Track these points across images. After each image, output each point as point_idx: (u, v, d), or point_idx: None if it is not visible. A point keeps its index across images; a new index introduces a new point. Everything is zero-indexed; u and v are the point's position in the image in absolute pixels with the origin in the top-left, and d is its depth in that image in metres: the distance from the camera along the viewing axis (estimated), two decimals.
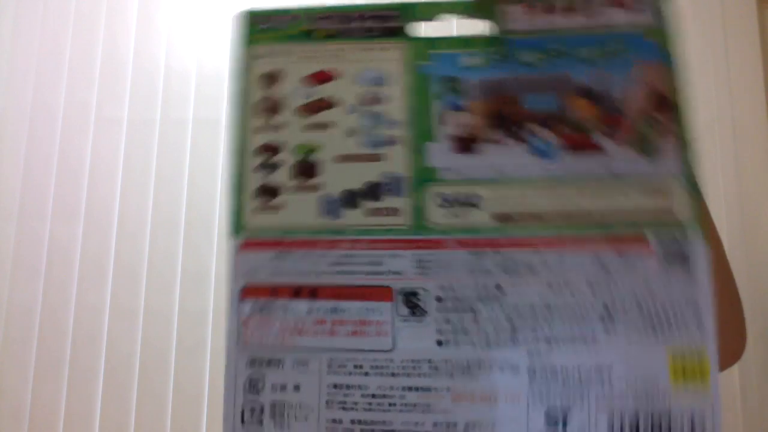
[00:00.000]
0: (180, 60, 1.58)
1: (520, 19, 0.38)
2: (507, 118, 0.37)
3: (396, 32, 0.39)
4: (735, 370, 1.43)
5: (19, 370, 1.45)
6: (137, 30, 1.60)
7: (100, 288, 1.48)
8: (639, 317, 0.33)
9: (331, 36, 0.39)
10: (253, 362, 0.35)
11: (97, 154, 1.54)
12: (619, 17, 0.37)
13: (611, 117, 0.36)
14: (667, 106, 0.36)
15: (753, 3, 1.58)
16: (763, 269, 1.47)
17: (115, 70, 1.58)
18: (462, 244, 0.35)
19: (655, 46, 0.37)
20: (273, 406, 0.34)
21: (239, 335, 0.35)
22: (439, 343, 0.34)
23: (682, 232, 0.34)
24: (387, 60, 0.38)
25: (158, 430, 1.42)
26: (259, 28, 0.39)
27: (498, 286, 0.34)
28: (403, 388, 0.34)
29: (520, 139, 0.36)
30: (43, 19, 1.61)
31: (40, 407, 1.44)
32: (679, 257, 0.34)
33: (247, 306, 0.35)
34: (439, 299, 0.34)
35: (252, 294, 0.35)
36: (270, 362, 0.35)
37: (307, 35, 0.39)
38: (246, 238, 0.36)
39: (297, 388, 0.34)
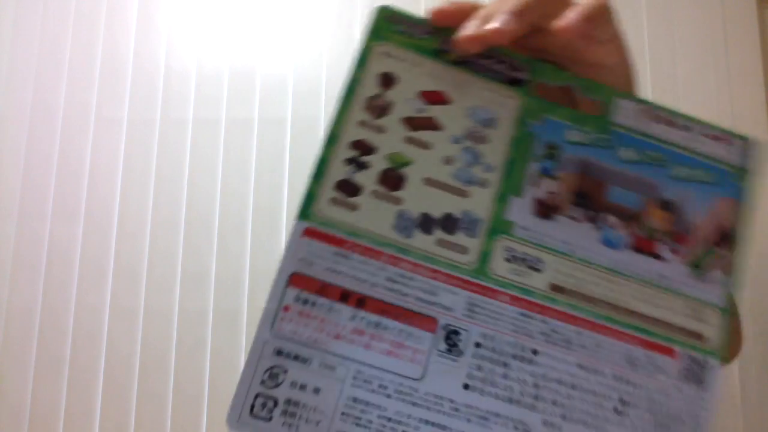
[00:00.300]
0: (180, 60, 1.58)
1: (632, 116, 0.40)
2: (592, 202, 0.38)
3: (520, 84, 0.39)
4: (735, 370, 1.44)
5: (19, 370, 1.44)
6: (137, 30, 1.59)
7: (100, 288, 1.48)
8: (647, 420, 0.36)
9: (462, 63, 0.39)
10: (280, 352, 0.35)
11: (97, 154, 1.54)
12: (713, 149, 0.40)
13: (680, 235, 0.38)
14: (729, 242, 0.39)
15: (753, 3, 1.58)
16: (763, 269, 1.47)
17: (115, 70, 1.56)
18: (515, 300, 0.36)
19: (737, 186, 0.39)
20: (287, 402, 0.34)
21: (275, 321, 0.35)
22: (466, 386, 0.35)
23: (705, 358, 0.37)
24: (503, 106, 0.39)
25: (158, 430, 1.42)
26: (395, 28, 0.39)
27: (535, 351, 0.36)
28: (420, 420, 0.35)
29: (597, 225, 0.38)
30: (43, 19, 1.60)
31: (40, 407, 1.44)
32: (696, 378, 0.37)
33: (292, 295, 0.35)
34: (477, 345, 0.36)
35: (300, 284, 0.35)
36: (297, 357, 0.35)
37: (437, 54, 0.39)
38: (311, 225, 0.36)
39: (317, 391, 0.35)
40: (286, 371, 0.35)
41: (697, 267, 0.38)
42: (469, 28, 0.37)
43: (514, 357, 0.36)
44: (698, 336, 0.37)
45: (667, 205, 0.39)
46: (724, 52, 1.56)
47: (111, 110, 1.55)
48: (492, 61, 0.39)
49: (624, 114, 0.40)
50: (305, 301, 0.35)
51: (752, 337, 1.48)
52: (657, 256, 0.38)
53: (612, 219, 0.38)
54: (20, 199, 1.52)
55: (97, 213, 1.51)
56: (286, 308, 0.35)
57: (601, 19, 0.39)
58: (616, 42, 0.42)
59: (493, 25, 0.37)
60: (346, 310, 0.35)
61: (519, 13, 0.37)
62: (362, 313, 0.35)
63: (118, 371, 1.45)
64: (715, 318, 0.37)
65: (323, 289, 0.35)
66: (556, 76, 0.40)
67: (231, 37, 1.58)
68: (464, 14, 0.39)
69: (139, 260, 1.49)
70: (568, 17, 0.37)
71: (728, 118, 1.52)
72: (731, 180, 0.39)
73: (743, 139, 0.40)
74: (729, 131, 0.40)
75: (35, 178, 1.53)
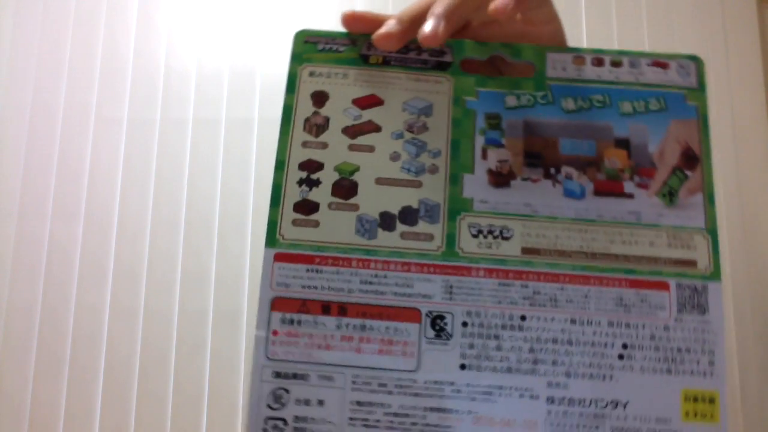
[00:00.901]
0: (180, 60, 1.58)
1: (569, 68, 0.40)
2: (545, 159, 0.38)
3: (447, 67, 0.40)
4: (735, 370, 1.44)
5: (19, 370, 1.45)
6: (137, 30, 1.60)
7: (100, 288, 1.48)
8: (655, 358, 0.35)
9: (386, 63, 0.40)
10: (278, 375, 0.36)
11: (97, 154, 1.54)
12: (662, 77, 0.40)
13: (644, 169, 0.38)
14: (695, 163, 0.39)
15: (753, 3, 1.58)
16: (763, 269, 1.48)
17: (115, 70, 1.58)
18: (490, 273, 0.36)
19: (693, 108, 0.40)
20: (296, 419, 0.35)
21: (267, 347, 0.36)
22: (462, 366, 0.36)
23: (703, 283, 0.36)
24: (437, 92, 0.40)
25: (158, 430, 1.42)
26: (317, 48, 0.41)
27: (523, 317, 0.36)
28: (425, 409, 0.35)
29: (555, 180, 0.38)
30: (43, 19, 1.61)
31: (40, 407, 1.44)
32: (697, 306, 0.36)
33: (277, 318, 0.36)
34: (464, 324, 0.36)
35: (282, 307, 0.36)
36: (295, 376, 0.36)
37: (361, 60, 0.40)
38: (280, 250, 0.37)
39: (321, 403, 0.35)
40: (288, 391, 0.35)
41: (668, 195, 0.38)
42: (385, 27, 0.39)
43: (503, 327, 0.36)
44: (689, 263, 0.37)
45: (622, 143, 0.39)
46: (725, 52, 1.56)
47: (111, 110, 1.56)
48: (414, 52, 0.40)
49: (557, 67, 0.40)
50: (291, 322, 0.36)
51: (752, 337, 1.46)
52: (624, 195, 0.38)
53: (569, 170, 0.38)
54: (20, 199, 1.52)
55: (97, 213, 1.51)
56: (275, 332, 0.36)
57: (534, 2, 0.40)
58: (554, 23, 0.43)
59: (426, 27, 0.38)
60: (330, 321, 0.36)
61: (448, 14, 0.38)
62: (346, 320, 0.36)
63: (118, 371, 1.46)
64: (701, 240, 0.37)
65: (304, 306, 0.36)
66: (481, 50, 0.40)
67: (231, 37, 1.58)
68: (377, 21, 0.40)
69: (139, 260, 1.49)
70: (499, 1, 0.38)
71: (728, 117, 1.53)
72: (683, 101, 0.40)
73: (686, 58, 0.40)
74: (670, 54, 0.41)
75: (35, 178, 1.53)
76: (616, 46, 1.57)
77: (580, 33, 1.57)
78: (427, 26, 0.37)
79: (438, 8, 0.38)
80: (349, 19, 0.40)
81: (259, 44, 1.58)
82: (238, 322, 1.46)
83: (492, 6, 0.38)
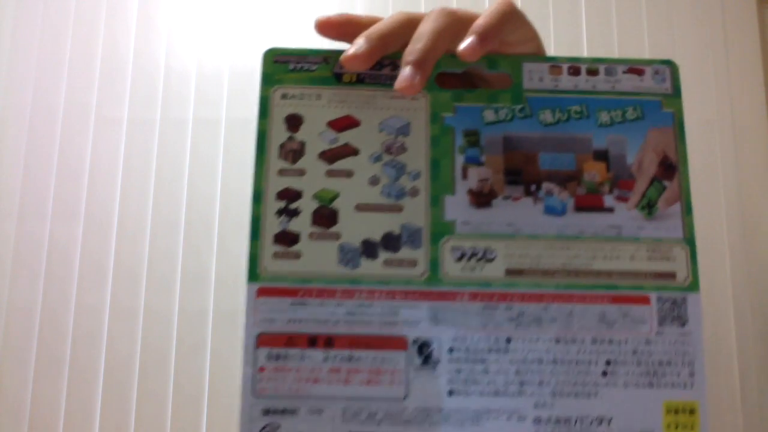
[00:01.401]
0: (180, 60, 1.58)
1: (546, 78, 0.39)
2: (525, 176, 0.38)
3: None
4: (735, 370, 1.44)
5: (19, 370, 1.46)
6: (137, 30, 1.60)
7: (100, 288, 1.48)
8: (638, 373, 0.36)
9: (361, 81, 0.39)
10: (267, 411, 0.35)
11: (96, 154, 1.54)
12: (638, 84, 0.39)
13: (623, 181, 0.38)
14: (673, 172, 0.38)
15: (753, 3, 1.58)
16: (763, 269, 1.48)
17: (115, 70, 1.58)
18: (475, 296, 0.36)
19: (670, 115, 0.39)
20: None
21: (254, 384, 0.35)
22: (451, 392, 0.35)
23: (682, 296, 0.37)
24: (413, 109, 0.39)
25: (158, 430, 1.43)
26: (288, 68, 0.39)
27: (508, 339, 0.36)
28: None
29: (535, 197, 0.38)
30: (43, 19, 1.61)
31: (41, 407, 1.44)
32: (677, 319, 0.36)
33: (263, 354, 0.36)
34: (451, 350, 0.36)
35: (268, 342, 0.36)
36: (285, 411, 0.35)
37: (335, 79, 0.39)
38: (262, 284, 0.36)
39: None
40: (278, 426, 0.35)
41: (647, 207, 0.38)
42: (353, 47, 0.38)
43: (489, 351, 0.36)
44: (669, 275, 0.37)
45: (601, 155, 0.38)
46: (724, 52, 1.56)
47: (111, 110, 1.56)
48: (388, 68, 0.40)
49: (534, 78, 0.39)
50: (277, 357, 0.36)
51: (752, 337, 1.47)
52: (605, 209, 0.38)
53: (549, 186, 0.38)
54: (20, 199, 1.52)
55: (97, 213, 1.51)
56: (262, 369, 0.35)
57: (510, 25, 0.40)
58: (533, 41, 0.42)
59: (369, 44, 0.38)
60: (317, 354, 0.36)
61: (422, 62, 0.38)
62: (333, 352, 0.36)
63: (118, 371, 1.46)
64: (680, 252, 0.37)
65: (290, 340, 0.36)
66: (456, 63, 0.39)
67: (231, 37, 1.58)
68: (351, 26, 0.40)
69: (139, 260, 1.49)
70: (465, 42, 0.38)
71: (728, 118, 1.53)
72: (659, 109, 0.39)
73: (661, 63, 0.40)
74: (644, 60, 0.40)
75: (35, 178, 1.53)
76: (616, 46, 1.57)
77: (579, 33, 1.57)
78: (403, 75, 0.37)
79: (411, 56, 0.37)
80: (323, 25, 0.40)
81: (258, 44, 1.58)
82: (238, 322, 1.46)
83: (459, 50, 0.37)
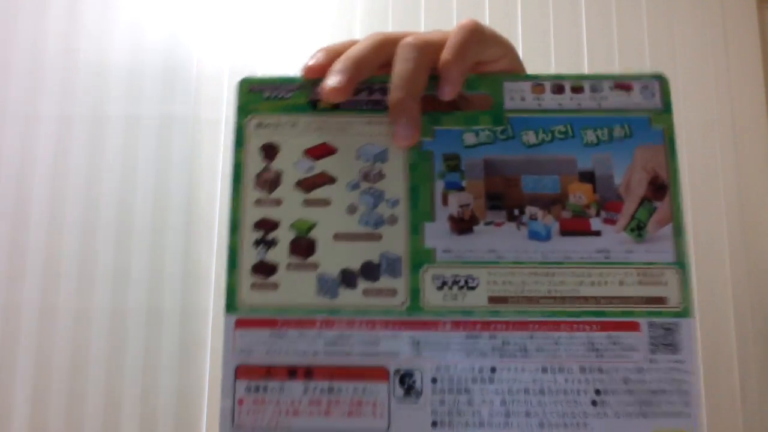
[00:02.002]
0: (180, 59, 1.57)
1: (528, 97, 0.38)
2: (507, 200, 0.37)
3: None
4: (735, 370, 1.44)
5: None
6: (132, 28, 1.59)
7: (87, 289, 1.48)
8: (629, 402, 0.35)
9: (336, 107, 0.38)
10: None
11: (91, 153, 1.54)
12: (625, 101, 0.38)
13: (611, 203, 0.37)
14: (664, 192, 0.37)
15: (753, 3, 1.57)
16: (763, 269, 1.47)
17: (109, 67, 1.56)
18: (457, 326, 0.35)
19: (659, 132, 0.38)
20: None
21: (233, 417, 0.35)
22: (434, 424, 0.35)
23: (675, 321, 0.35)
24: (390, 135, 0.38)
25: (153, 430, 1.43)
26: (262, 96, 0.39)
27: (493, 369, 0.35)
28: None
29: (519, 222, 0.37)
30: (34, 13, 1.59)
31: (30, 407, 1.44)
32: (670, 345, 0.35)
33: (242, 387, 0.35)
34: (434, 380, 0.35)
35: (247, 374, 0.35)
36: None
37: (313, 105, 0.39)
38: (241, 316, 0.36)
39: None
40: None
41: (636, 229, 0.36)
42: (329, 79, 0.37)
43: (474, 381, 0.35)
44: (659, 300, 0.36)
45: (587, 176, 0.37)
46: (724, 52, 1.56)
47: (105, 109, 1.55)
48: (365, 93, 0.39)
49: (515, 97, 0.38)
50: (256, 389, 0.35)
51: (752, 337, 1.47)
52: (592, 233, 0.36)
53: (533, 210, 0.37)
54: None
55: (91, 214, 1.50)
56: (240, 401, 0.35)
57: (476, 47, 0.39)
58: (507, 57, 0.42)
59: (344, 76, 0.37)
60: (297, 386, 0.35)
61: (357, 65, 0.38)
62: (313, 384, 0.35)
63: (105, 372, 1.45)
64: (671, 276, 0.36)
65: (269, 372, 0.35)
66: (433, 84, 0.38)
67: (231, 37, 1.57)
68: (331, 59, 0.39)
69: (127, 260, 1.49)
70: (444, 90, 0.37)
71: (728, 118, 1.52)
72: (647, 125, 0.38)
73: (649, 78, 0.39)
74: (632, 75, 0.39)
75: (27, 176, 1.52)
76: (616, 46, 1.57)
77: (579, 33, 1.56)
78: (399, 132, 0.37)
79: (399, 108, 0.37)
80: (309, 72, 0.39)
81: (258, 45, 1.57)
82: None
83: (439, 96, 0.37)
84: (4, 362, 1.45)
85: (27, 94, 1.55)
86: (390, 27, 1.58)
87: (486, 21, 1.49)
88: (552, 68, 1.53)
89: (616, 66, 1.55)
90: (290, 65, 1.55)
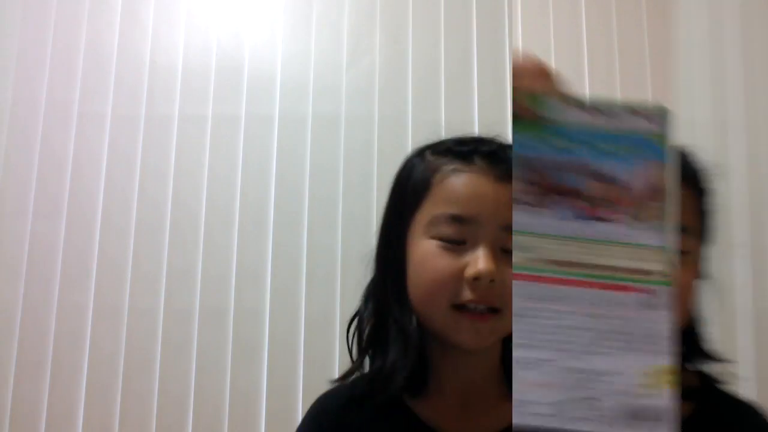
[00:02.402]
0: (166, 56, 1.57)
1: (561, 112, 0.51)
2: (540, 188, 0.51)
3: None
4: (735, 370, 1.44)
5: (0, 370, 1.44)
6: (121, 25, 1.58)
7: (83, 287, 1.47)
8: (624, 342, 0.49)
9: None
10: None
11: (79, 150, 1.53)
12: (635, 123, 0.50)
13: (616, 198, 0.50)
14: (658, 196, 0.50)
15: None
16: (762, 270, 1.47)
17: (99, 65, 1.56)
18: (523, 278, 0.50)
19: (659, 150, 0.50)
20: None
21: None
22: None
23: (655, 287, 0.49)
24: None
25: (143, 429, 1.41)
26: None
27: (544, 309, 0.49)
28: None
29: (546, 206, 0.50)
30: (24, 15, 1.59)
31: (22, 407, 1.43)
32: (652, 304, 0.49)
33: None
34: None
35: None
36: None
37: None
38: None
39: None
40: None
41: (635, 221, 0.49)
42: None
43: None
44: (646, 272, 0.49)
45: (599, 177, 0.50)
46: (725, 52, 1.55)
47: (94, 106, 1.54)
48: None
49: (555, 110, 0.51)
50: None
51: (752, 338, 1.48)
52: (602, 219, 0.50)
53: (558, 198, 0.50)
54: (1, 195, 1.50)
55: (80, 210, 1.50)
56: None
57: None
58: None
59: None
60: None
61: None
62: None
63: (101, 371, 1.44)
64: (656, 256, 0.49)
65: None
66: None
67: (217, 33, 1.57)
68: None
69: (124, 258, 1.48)
70: None
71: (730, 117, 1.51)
72: (654, 145, 0.50)
73: (657, 109, 0.51)
74: (644, 105, 0.51)
75: (16, 174, 1.52)
76: (616, 46, 1.56)
77: (579, 34, 1.56)
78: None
79: None
80: None
81: (246, 41, 1.56)
82: (224, 320, 1.45)
83: None
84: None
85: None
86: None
87: (484, 21, 1.47)
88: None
89: (616, 66, 1.56)
90: (278, 61, 1.54)
